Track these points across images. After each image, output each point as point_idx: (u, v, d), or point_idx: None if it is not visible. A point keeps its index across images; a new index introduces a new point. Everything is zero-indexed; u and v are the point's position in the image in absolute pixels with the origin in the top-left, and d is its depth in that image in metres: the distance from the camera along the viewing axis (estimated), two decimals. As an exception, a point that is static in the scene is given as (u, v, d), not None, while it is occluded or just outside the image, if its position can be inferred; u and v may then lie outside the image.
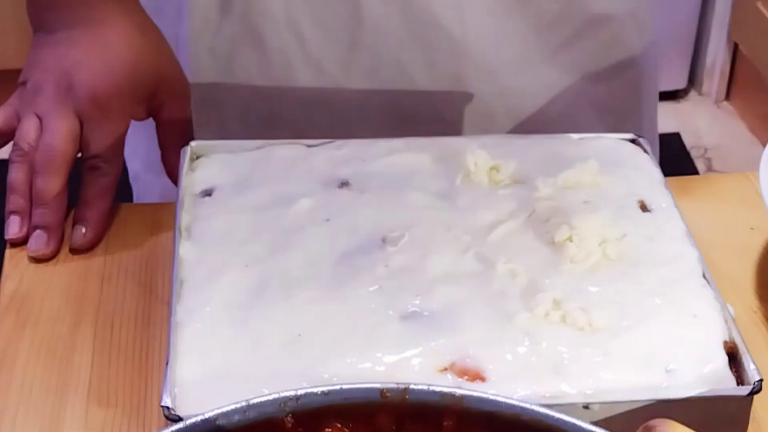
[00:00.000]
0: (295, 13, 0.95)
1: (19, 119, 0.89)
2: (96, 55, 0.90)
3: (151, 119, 0.96)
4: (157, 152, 0.95)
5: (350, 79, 0.98)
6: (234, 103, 1.00)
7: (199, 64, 0.96)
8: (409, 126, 0.99)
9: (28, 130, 0.88)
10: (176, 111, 0.94)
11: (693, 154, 2.62)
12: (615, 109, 1.05)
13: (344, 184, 0.84)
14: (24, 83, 0.91)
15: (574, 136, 0.90)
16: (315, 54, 0.97)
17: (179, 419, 0.63)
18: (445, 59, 0.97)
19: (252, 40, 0.97)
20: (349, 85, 0.98)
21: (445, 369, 0.70)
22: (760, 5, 2.51)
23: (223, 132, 0.98)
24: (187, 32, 0.97)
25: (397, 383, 0.56)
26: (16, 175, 0.87)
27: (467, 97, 0.99)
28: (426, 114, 1.00)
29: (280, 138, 0.90)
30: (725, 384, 0.69)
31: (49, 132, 0.87)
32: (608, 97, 1.04)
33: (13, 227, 0.87)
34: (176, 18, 0.99)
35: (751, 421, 0.70)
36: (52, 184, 0.87)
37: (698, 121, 2.73)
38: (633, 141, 0.89)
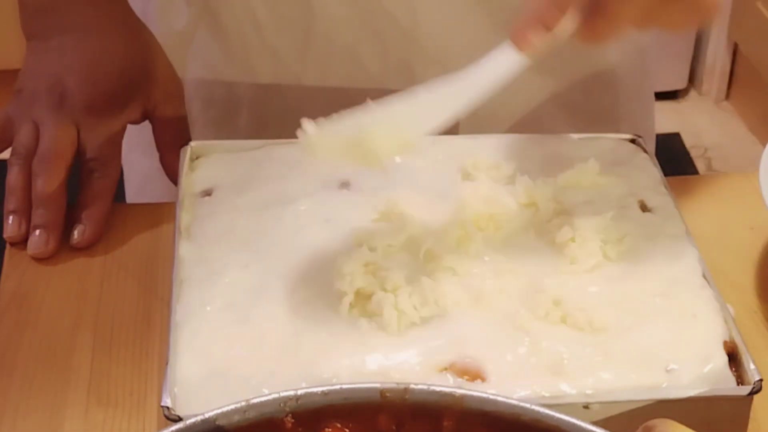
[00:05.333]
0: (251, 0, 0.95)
1: (13, 126, 0.90)
2: (88, 61, 0.90)
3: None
4: (137, 133, 0.95)
5: (305, 66, 0.98)
6: (196, 86, 1.01)
7: (163, 47, 0.96)
8: None
9: (26, 136, 0.89)
10: (171, 112, 0.95)
11: (693, 154, 2.62)
12: (583, 109, 1.04)
13: (344, 184, 0.84)
14: (19, 91, 0.91)
15: (574, 136, 0.90)
16: (271, 41, 0.97)
17: (179, 419, 0.63)
18: (395, 49, 0.97)
19: (212, 25, 0.98)
20: (304, 71, 0.98)
21: (445, 369, 0.70)
22: (760, 5, 2.51)
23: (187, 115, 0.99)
24: (153, 14, 0.98)
25: (397, 383, 0.56)
26: (15, 177, 0.88)
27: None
28: None
29: (242, 122, 0.89)
30: (725, 384, 0.69)
31: (47, 137, 0.88)
32: (575, 97, 1.03)
33: (12, 226, 0.87)
34: (144, 3, 0.99)
35: (751, 421, 0.70)
36: (52, 184, 0.87)
37: (698, 120, 2.73)
38: (633, 141, 0.89)
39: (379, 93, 0.98)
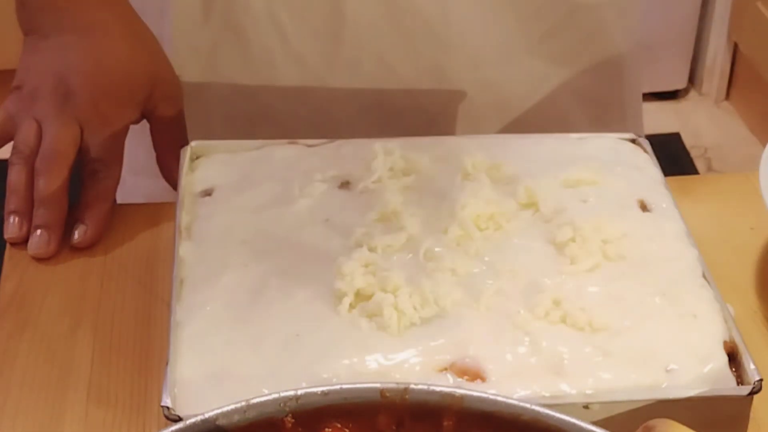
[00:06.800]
0: (276, 9, 0.95)
1: (13, 123, 0.89)
2: (91, 61, 0.90)
3: (144, 122, 0.96)
4: (142, 155, 0.95)
5: (333, 74, 0.98)
6: (218, 101, 1.01)
7: (182, 63, 0.96)
8: (393, 119, 0.99)
9: (28, 134, 0.88)
10: (170, 113, 0.94)
11: (693, 154, 2.62)
12: (597, 100, 1.05)
13: (344, 184, 0.84)
14: (19, 87, 0.91)
15: (574, 135, 0.90)
16: (297, 49, 0.97)
17: (179, 419, 0.63)
18: (427, 51, 0.97)
19: (234, 38, 0.97)
20: (332, 79, 0.98)
21: (445, 369, 0.70)
22: (760, 5, 2.51)
23: (208, 129, 0.98)
24: (170, 31, 0.97)
25: (397, 383, 0.56)
26: (17, 176, 0.88)
27: (451, 90, 0.99)
28: (411, 107, 1.00)
29: (265, 134, 0.89)
30: (725, 384, 0.69)
31: (50, 136, 0.88)
32: (590, 88, 1.04)
33: (13, 227, 0.87)
34: (159, 17, 0.99)
35: (751, 421, 0.70)
36: (54, 184, 0.87)
37: (698, 120, 2.73)
38: (633, 141, 0.89)
39: (409, 95, 0.98)
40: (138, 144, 0.96)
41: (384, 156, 0.86)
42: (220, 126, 1.01)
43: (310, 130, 0.91)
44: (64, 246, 0.87)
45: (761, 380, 0.68)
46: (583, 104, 1.05)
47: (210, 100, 1.00)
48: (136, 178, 0.92)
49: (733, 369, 0.71)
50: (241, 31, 0.97)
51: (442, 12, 0.95)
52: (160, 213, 0.90)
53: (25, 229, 0.87)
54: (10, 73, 0.95)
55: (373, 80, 0.98)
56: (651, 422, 0.54)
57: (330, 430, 0.55)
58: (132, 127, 0.93)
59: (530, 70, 1.01)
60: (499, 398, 0.55)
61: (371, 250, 0.76)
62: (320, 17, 0.95)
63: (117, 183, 0.91)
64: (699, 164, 2.59)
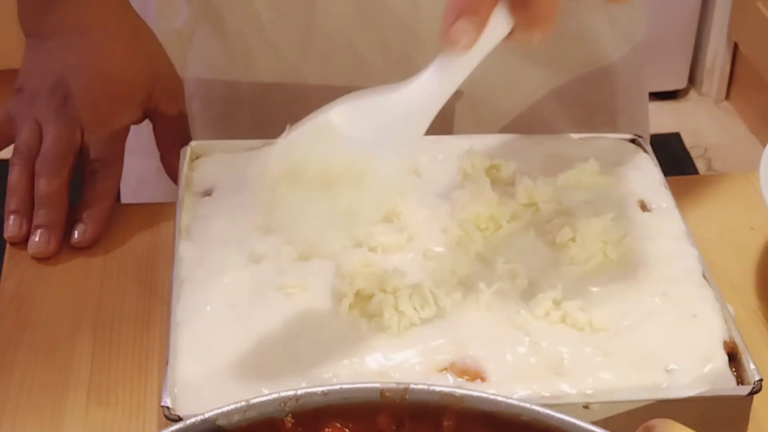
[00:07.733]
0: None
1: (15, 125, 0.90)
2: (91, 61, 0.90)
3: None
4: (131, 135, 0.95)
5: (306, 62, 0.98)
6: (196, 84, 1.01)
7: (163, 45, 0.96)
8: None
9: (29, 135, 0.89)
10: (172, 111, 0.95)
11: (693, 154, 2.62)
12: (583, 103, 1.05)
13: (344, 184, 0.84)
14: (20, 90, 0.91)
15: (574, 136, 0.90)
16: (271, 36, 0.97)
17: (179, 419, 0.63)
18: (396, 42, 0.97)
19: (212, 23, 0.98)
20: (305, 67, 0.99)
21: (445, 369, 0.70)
22: (760, 5, 2.51)
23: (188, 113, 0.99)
24: (153, 13, 0.98)
25: (397, 383, 0.56)
26: (17, 176, 0.88)
27: None
28: None
29: (241, 121, 0.90)
30: (725, 384, 0.69)
31: (50, 137, 0.88)
32: (575, 91, 1.03)
33: (13, 226, 0.87)
34: (144, 1, 0.99)
35: (751, 421, 0.70)
36: (54, 184, 0.87)
37: (698, 120, 2.73)
38: (633, 141, 0.89)
39: (379, 82, 0.98)
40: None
41: (384, 156, 0.86)
42: (197, 109, 1.02)
43: (285, 117, 0.92)
44: (64, 246, 0.87)
45: (761, 380, 0.68)
46: (567, 107, 1.04)
47: (188, 83, 1.00)
48: (128, 158, 0.93)
49: (733, 369, 0.71)
50: (218, 16, 0.97)
51: (411, 7, 0.95)
52: (160, 213, 0.90)
53: (25, 228, 0.87)
54: (10, 73, 0.95)
55: (345, 71, 0.98)
56: (651, 422, 0.54)
57: (330, 430, 0.55)
58: None
59: (506, 67, 1.00)
60: (499, 398, 0.55)
61: (371, 250, 0.76)
62: (294, 5, 0.96)
63: (117, 183, 0.92)
64: (699, 164, 2.59)
